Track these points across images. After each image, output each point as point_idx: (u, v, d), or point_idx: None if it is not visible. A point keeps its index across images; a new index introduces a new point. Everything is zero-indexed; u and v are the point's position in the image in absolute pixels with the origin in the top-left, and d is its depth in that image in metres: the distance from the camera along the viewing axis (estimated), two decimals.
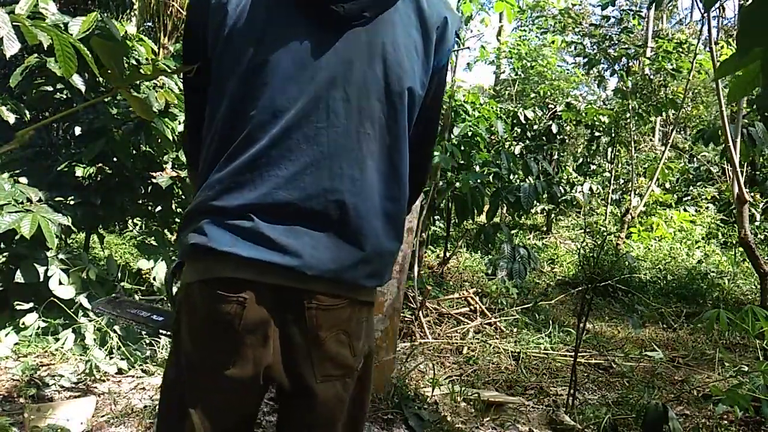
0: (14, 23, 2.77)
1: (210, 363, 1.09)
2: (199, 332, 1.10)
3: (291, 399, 1.14)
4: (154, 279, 3.94)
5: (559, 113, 8.99)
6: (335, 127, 1.06)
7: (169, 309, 3.42)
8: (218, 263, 1.06)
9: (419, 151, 1.20)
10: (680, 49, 8.51)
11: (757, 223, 9.01)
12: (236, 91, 1.06)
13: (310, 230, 1.06)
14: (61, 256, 3.57)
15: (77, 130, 3.98)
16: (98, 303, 3.40)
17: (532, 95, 10.63)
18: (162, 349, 3.37)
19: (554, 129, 8.88)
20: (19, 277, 3.36)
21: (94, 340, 3.30)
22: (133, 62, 3.91)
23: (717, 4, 6.20)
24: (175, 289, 1.18)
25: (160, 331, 3.31)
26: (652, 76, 8.98)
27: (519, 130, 8.88)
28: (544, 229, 11.22)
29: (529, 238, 10.23)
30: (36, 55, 3.60)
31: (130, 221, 5.55)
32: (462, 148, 5.98)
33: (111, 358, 3.17)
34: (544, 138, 9.05)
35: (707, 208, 10.39)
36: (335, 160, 1.07)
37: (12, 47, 2.63)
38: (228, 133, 1.08)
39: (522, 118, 8.62)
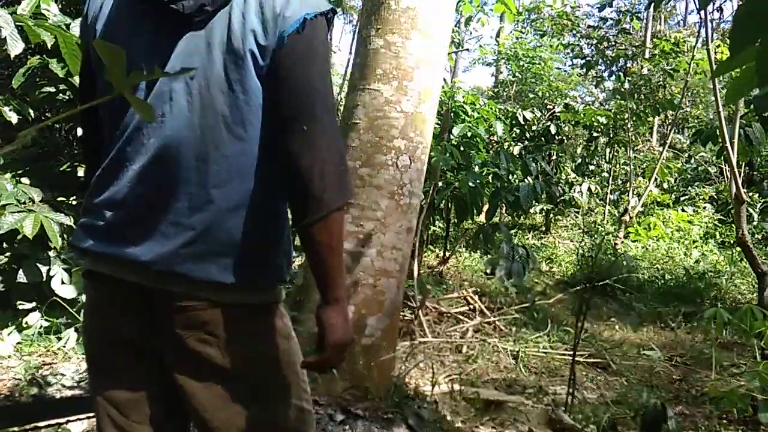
0: (17, 23, 2.79)
1: (90, 350, 1.23)
2: (85, 320, 1.25)
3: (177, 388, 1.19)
4: None
5: (558, 114, 9.01)
6: (178, 120, 1.09)
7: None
8: (87, 259, 1.19)
9: (290, 129, 1.10)
10: (677, 49, 8.54)
11: (754, 223, 9.04)
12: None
13: (162, 224, 1.09)
14: (63, 255, 3.59)
15: (79, 131, 3.99)
16: None
17: (531, 96, 10.65)
18: None
19: (553, 130, 8.89)
20: (21, 277, 3.37)
21: None
22: None
23: (715, 5, 6.22)
24: None
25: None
26: (650, 76, 9.01)
27: (518, 131, 8.90)
28: (543, 229, 11.24)
29: (527, 238, 10.24)
30: (38, 56, 3.62)
31: None
32: (461, 148, 6.00)
33: None
34: (542, 138, 9.06)
35: (705, 208, 10.42)
36: (181, 152, 1.09)
37: (16, 47, 2.66)
38: (104, 138, 1.19)
39: (521, 118, 8.64)
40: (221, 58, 1.08)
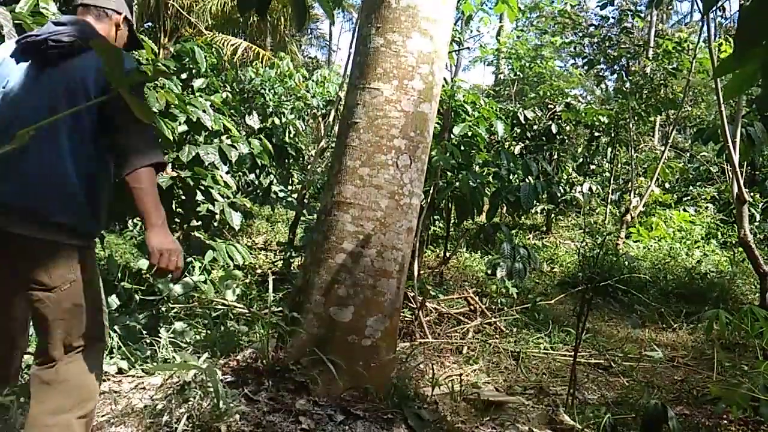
0: (16, 21, 2.79)
1: None
2: None
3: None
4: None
5: (559, 113, 8.99)
6: (41, 115, 1.83)
7: None
8: None
9: (117, 123, 1.91)
10: (679, 48, 8.52)
11: (756, 223, 9.01)
12: None
13: (19, 171, 1.81)
14: None
15: None
16: None
17: (532, 95, 10.63)
18: (163, 349, 3.37)
19: (554, 129, 8.88)
20: None
21: None
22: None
23: (717, 5, 6.20)
24: None
25: None
26: (652, 76, 8.98)
27: (519, 130, 8.89)
28: (544, 229, 11.22)
29: (528, 238, 10.23)
30: None
31: (130, 221, 5.55)
32: (462, 148, 5.99)
33: (111, 357, 3.16)
34: (543, 138, 9.05)
35: (707, 208, 10.39)
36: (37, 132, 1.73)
37: None
38: None
39: (522, 118, 8.63)
40: (70, 86, 1.88)
